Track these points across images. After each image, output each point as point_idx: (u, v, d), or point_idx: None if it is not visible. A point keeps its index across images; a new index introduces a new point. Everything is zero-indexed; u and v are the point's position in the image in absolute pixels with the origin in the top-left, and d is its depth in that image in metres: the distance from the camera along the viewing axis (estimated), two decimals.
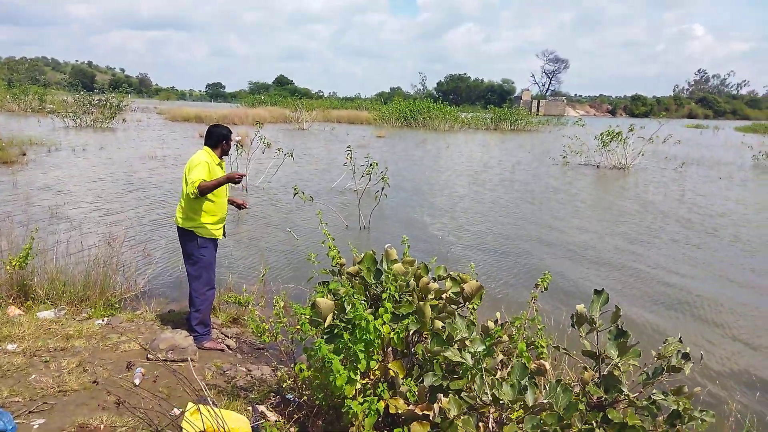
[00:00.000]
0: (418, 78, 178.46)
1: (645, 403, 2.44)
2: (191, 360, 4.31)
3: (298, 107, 43.04)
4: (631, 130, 20.20)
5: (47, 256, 6.12)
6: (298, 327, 3.50)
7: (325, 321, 3.30)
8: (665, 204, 13.06)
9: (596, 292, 2.52)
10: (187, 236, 4.56)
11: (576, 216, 11.54)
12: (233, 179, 4.41)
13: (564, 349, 2.65)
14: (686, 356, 2.48)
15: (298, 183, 13.54)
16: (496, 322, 3.15)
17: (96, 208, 10.45)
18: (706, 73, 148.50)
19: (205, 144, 4.66)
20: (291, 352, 4.50)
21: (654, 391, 2.49)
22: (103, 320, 5.07)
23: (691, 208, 12.68)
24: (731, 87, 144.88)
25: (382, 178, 9.76)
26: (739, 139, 38.35)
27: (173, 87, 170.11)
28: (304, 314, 3.55)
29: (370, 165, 10.13)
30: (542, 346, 3.72)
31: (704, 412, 2.31)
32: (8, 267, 5.35)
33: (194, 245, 4.56)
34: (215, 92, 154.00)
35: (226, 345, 4.93)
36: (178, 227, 4.62)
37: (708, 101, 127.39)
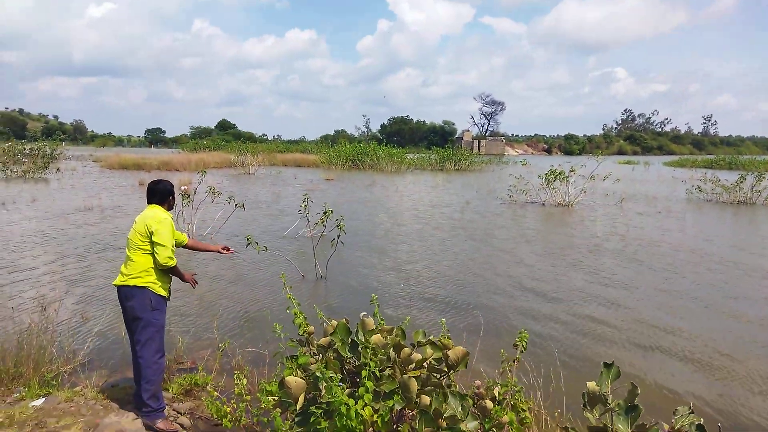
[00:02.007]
0: (362, 120, 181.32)
1: None
2: None
3: (243, 151, 42.43)
4: (573, 170, 20.92)
5: None
6: (265, 409, 3.13)
7: (296, 402, 2.95)
8: (612, 240, 13.39)
9: (606, 365, 2.33)
10: (137, 296, 4.13)
11: (530, 257, 11.59)
12: (191, 280, 4.54)
13: (573, 429, 2.41)
14: (701, 428, 2.30)
15: (248, 231, 13.05)
16: (493, 399, 2.90)
17: (28, 268, 9.61)
18: (631, 113, 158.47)
19: (151, 202, 4.36)
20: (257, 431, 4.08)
21: None
22: (38, 401, 4.48)
23: (636, 242, 13.03)
24: (656, 125, 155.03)
25: (338, 225, 9.49)
26: (669, 174, 40.65)
27: (110, 133, 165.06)
28: (272, 395, 3.18)
29: (325, 213, 9.84)
30: (524, 410, 3.51)
31: None
32: None
33: (146, 306, 4.14)
34: (155, 138, 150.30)
35: (180, 424, 4.42)
36: (123, 287, 4.17)
37: (636, 138, 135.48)
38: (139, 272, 4.11)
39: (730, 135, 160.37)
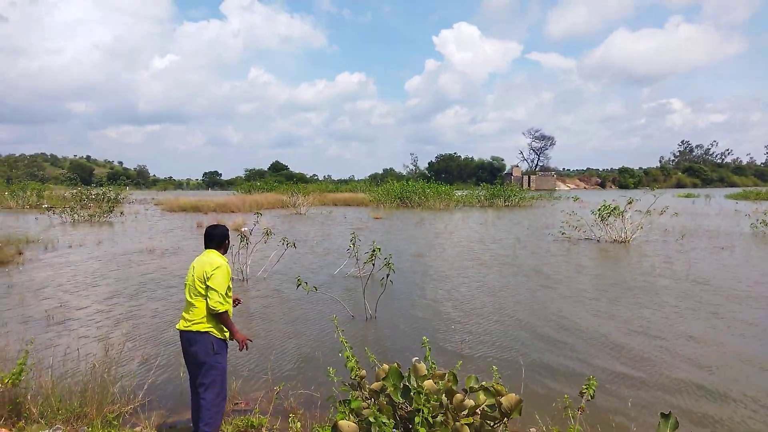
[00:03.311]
0: (410, 158, 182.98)
1: None
2: None
3: (295, 192, 43.55)
4: (630, 202, 20.30)
5: (42, 367, 5.79)
6: None
7: None
8: (673, 279, 12.81)
9: (663, 415, 2.24)
10: (199, 341, 4.26)
11: (588, 298, 11.23)
12: (242, 342, 4.44)
13: None
14: None
15: (299, 271, 13.31)
16: None
17: (94, 311, 10.10)
18: (689, 144, 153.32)
19: (208, 246, 4.55)
20: None
21: None
22: None
23: (699, 282, 12.42)
24: (715, 156, 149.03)
25: (387, 264, 9.54)
26: (732, 207, 38.78)
27: (170, 177, 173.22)
28: None
29: (373, 251, 9.93)
30: None
31: None
32: (0, 385, 4.99)
33: (209, 350, 4.27)
34: (212, 180, 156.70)
35: None
36: (186, 332, 4.31)
37: (695, 170, 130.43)
38: (201, 318, 4.26)
39: None
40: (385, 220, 31.64)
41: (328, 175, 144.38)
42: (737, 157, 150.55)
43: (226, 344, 4.47)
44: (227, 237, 4.65)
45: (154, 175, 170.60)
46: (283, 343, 8.13)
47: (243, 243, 13.02)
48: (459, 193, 54.55)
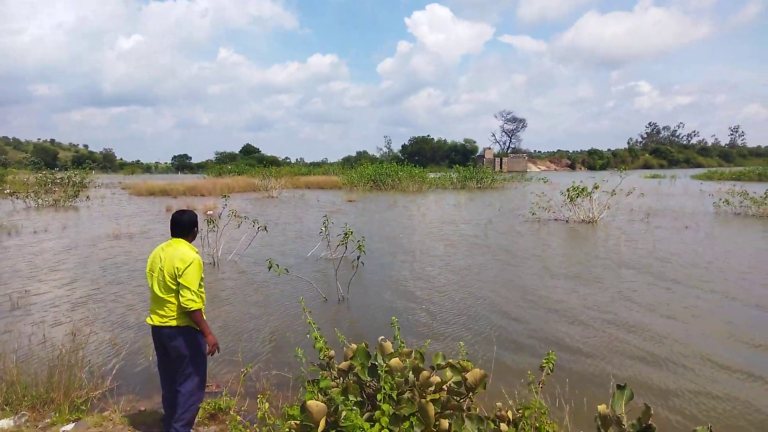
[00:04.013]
0: (384, 141, 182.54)
1: None
2: None
3: (267, 175, 43.07)
4: (596, 186, 20.71)
5: (6, 353, 5.66)
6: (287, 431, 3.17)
7: (317, 426, 3.00)
8: (637, 256, 13.17)
9: (619, 387, 2.32)
10: (181, 336, 4.13)
11: (555, 276, 11.48)
12: (212, 346, 4.26)
13: None
14: None
15: (270, 254, 13.23)
16: (508, 422, 2.90)
17: (58, 296, 9.89)
18: (656, 126, 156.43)
19: (176, 235, 4.29)
20: None
21: None
22: (68, 426, 4.61)
23: (662, 259, 12.80)
24: (681, 137, 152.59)
25: (359, 247, 9.57)
26: (697, 187, 39.88)
27: (138, 160, 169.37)
28: (294, 419, 3.23)
29: (346, 234, 9.94)
30: None
31: None
32: None
33: (191, 344, 4.18)
34: (181, 164, 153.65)
35: None
36: (165, 327, 4.13)
37: (662, 152, 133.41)
38: (178, 313, 4.11)
39: (759, 146, 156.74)
40: (358, 203, 31.61)
41: (301, 158, 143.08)
42: (703, 139, 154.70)
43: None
44: (196, 224, 4.37)
45: (121, 159, 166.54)
46: (255, 326, 8.11)
47: (211, 227, 12.85)
48: (432, 175, 54.77)
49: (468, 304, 9.25)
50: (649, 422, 2.21)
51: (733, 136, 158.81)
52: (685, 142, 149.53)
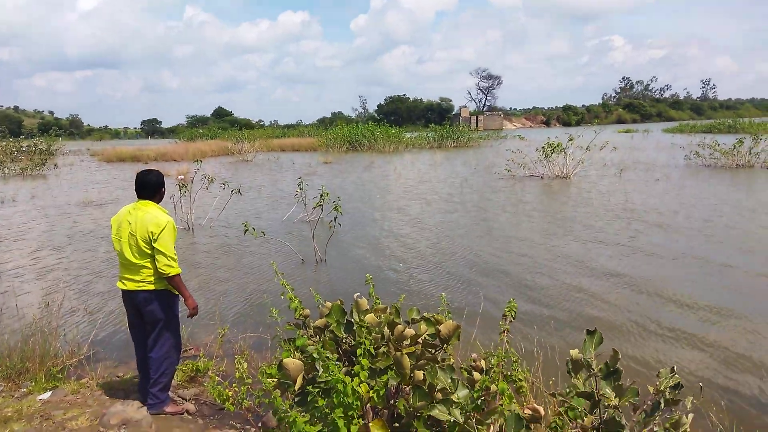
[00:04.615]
0: (359, 101, 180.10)
1: None
2: None
3: (240, 138, 42.28)
4: (571, 140, 20.85)
5: None
6: (266, 391, 3.21)
7: (295, 383, 3.02)
8: (608, 209, 13.42)
9: (589, 332, 2.38)
10: (157, 300, 4.06)
11: (526, 231, 11.65)
12: (193, 309, 4.23)
13: (560, 394, 2.48)
14: (678, 386, 2.37)
15: (247, 218, 13.10)
16: (480, 370, 2.96)
17: (31, 264, 9.70)
18: (630, 80, 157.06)
19: (142, 196, 4.10)
20: (259, 413, 4.16)
21: (655, 429, 2.35)
22: (45, 394, 4.58)
23: (632, 211, 13.07)
24: (654, 91, 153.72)
25: (335, 208, 9.53)
26: (668, 141, 40.46)
27: (106, 126, 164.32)
28: (272, 377, 3.26)
29: (322, 195, 9.87)
30: (521, 380, 3.59)
31: None
32: None
33: (166, 307, 4.13)
34: (151, 129, 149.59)
35: (186, 410, 4.51)
36: (140, 292, 4.03)
37: (635, 106, 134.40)
38: (154, 276, 4.02)
39: (730, 98, 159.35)
40: (334, 165, 31.37)
41: (275, 121, 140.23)
42: (675, 92, 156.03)
43: (179, 297, 4.33)
44: (163, 184, 4.20)
45: (89, 125, 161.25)
46: (232, 289, 8.11)
47: (183, 192, 12.61)
48: (408, 135, 54.39)
49: (441, 260, 9.37)
50: (617, 366, 2.28)
51: (704, 89, 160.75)
52: (658, 96, 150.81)
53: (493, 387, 2.72)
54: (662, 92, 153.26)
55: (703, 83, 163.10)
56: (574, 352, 2.35)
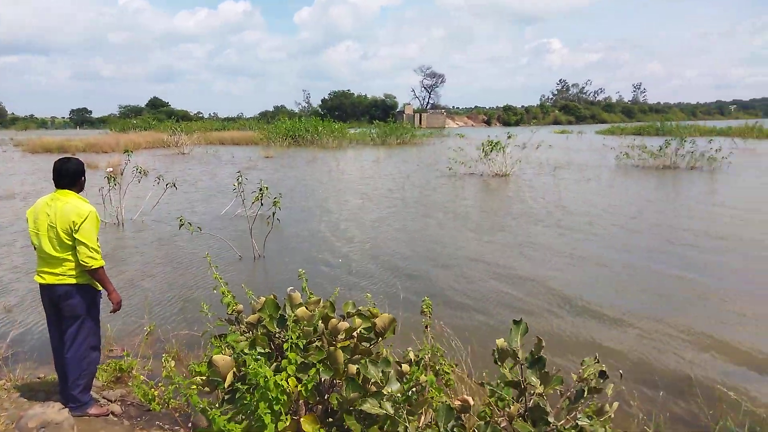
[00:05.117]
0: (302, 96, 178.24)
1: (573, 430, 2.38)
2: None
3: (177, 130, 40.82)
4: (510, 137, 21.41)
5: None
6: (194, 388, 3.10)
7: (225, 380, 2.94)
8: (541, 207, 13.90)
9: (515, 322, 2.44)
10: (77, 295, 3.85)
11: (463, 226, 11.89)
12: (117, 304, 4.03)
13: (489, 384, 2.53)
14: (603, 374, 2.47)
15: (182, 212, 12.65)
16: (410, 362, 2.99)
17: None
18: (566, 83, 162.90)
19: (61, 186, 3.88)
20: (188, 413, 4.03)
21: (579, 416, 2.44)
22: None
23: (564, 208, 13.60)
24: (589, 94, 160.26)
25: (274, 203, 9.37)
26: (600, 142, 42.28)
27: (32, 115, 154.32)
28: (201, 375, 3.15)
29: (260, 190, 9.67)
30: (447, 373, 3.65)
31: None
32: None
33: (89, 302, 3.92)
34: (81, 118, 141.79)
35: (111, 412, 4.31)
36: (59, 285, 3.81)
37: (570, 108, 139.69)
38: (76, 270, 3.82)
39: (659, 102, 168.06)
40: (276, 159, 30.86)
41: (215, 113, 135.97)
42: (608, 96, 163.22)
43: (101, 293, 4.11)
44: (83, 173, 3.99)
45: (13, 114, 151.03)
46: (164, 286, 7.82)
47: (112, 184, 11.99)
48: (352, 130, 54.29)
49: (379, 255, 9.41)
50: (541, 354, 2.35)
51: (635, 93, 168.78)
52: (592, 99, 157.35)
53: (422, 378, 2.74)
54: (596, 95, 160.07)
55: (635, 87, 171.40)
56: (500, 341, 2.40)
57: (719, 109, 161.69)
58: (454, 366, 3.43)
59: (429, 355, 3.44)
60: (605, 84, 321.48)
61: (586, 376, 2.50)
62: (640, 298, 7.13)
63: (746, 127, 49.55)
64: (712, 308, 6.71)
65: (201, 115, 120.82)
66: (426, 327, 3.64)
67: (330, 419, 3.05)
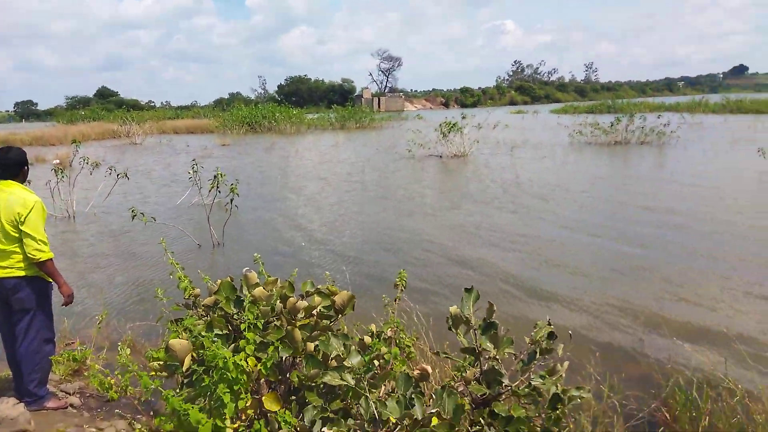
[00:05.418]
0: (258, 82, 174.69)
1: (526, 390, 2.47)
2: None
3: (127, 120, 39.51)
4: (464, 117, 21.62)
5: None
6: (153, 374, 3.06)
7: (183, 364, 2.91)
8: (498, 185, 14.17)
9: (467, 290, 2.50)
10: (26, 288, 3.73)
11: (426, 209, 12.00)
12: (68, 297, 3.91)
13: (444, 353, 2.59)
14: (552, 335, 2.57)
15: (135, 203, 12.32)
16: (372, 335, 3.03)
17: None
18: (521, 64, 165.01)
19: (3, 177, 3.73)
20: (148, 400, 3.98)
21: (533, 377, 2.53)
22: None
23: (520, 186, 13.90)
24: (543, 74, 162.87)
25: (231, 189, 9.22)
26: (555, 121, 43.14)
27: None
28: (159, 361, 3.11)
29: (216, 177, 9.49)
30: (408, 346, 3.72)
31: (581, 389, 2.39)
32: None
33: (38, 295, 3.80)
34: (26, 111, 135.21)
35: (69, 404, 4.21)
36: (7, 279, 3.69)
37: (525, 89, 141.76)
38: (24, 262, 3.69)
39: (610, 81, 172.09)
40: (232, 147, 30.28)
41: (167, 102, 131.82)
42: (561, 76, 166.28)
43: (52, 285, 3.98)
44: (25, 162, 3.86)
45: None
46: (120, 278, 7.64)
47: (60, 176, 11.51)
48: (310, 116, 53.71)
49: (337, 239, 9.44)
50: (493, 318, 2.41)
51: (587, 72, 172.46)
52: (546, 79, 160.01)
53: (383, 349, 2.78)
54: (550, 75, 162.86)
55: (587, 67, 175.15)
56: (453, 309, 2.46)
57: (668, 86, 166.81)
58: (415, 339, 3.49)
59: (393, 330, 3.48)
60: (558, 65, 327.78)
61: (538, 338, 2.59)
62: (591, 274, 7.37)
63: (693, 102, 51.56)
64: (659, 282, 6.98)
65: (153, 104, 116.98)
66: (396, 300, 3.67)
67: (293, 397, 3.06)
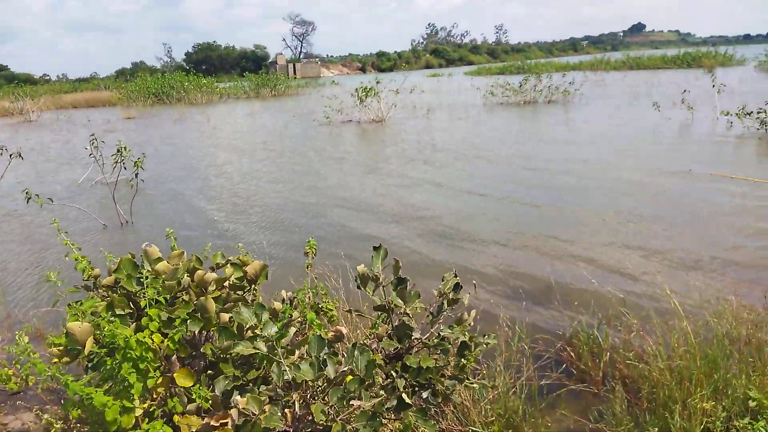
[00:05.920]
0: (163, 50, 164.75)
1: (436, 341, 2.56)
2: None
3: (19, 96, 36.15)
4: (378, 82, 21.55)
5: None
6: (55, 361, 2.89)
7: (85, 348, 2.76)
8: (418, 148, 14.36)
9: (375, 248, 2.52)
10: None
11: (343, 172, 11.98)
12: None
13: (356, 310, 2.62)
14: (458, 286, 2.66)
15: (32, 185, 11.42)
16: (283, 301, 3.00)
17: None
18: (435, 27, 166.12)
19: None
20: (57, 389, 3.77)
21: (441, 328, 2.62)
22: None
23: (439, 148, 14.17)
24: (456, 37, 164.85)
25: (136, 164, 8.72)
26: (469, 83, 43.98)
27: None
28: (56, 345, 2.93)
29: (118, 150, 8.92)
30: (330, 310, 3.74)
31: (487, 336, 2.51)
32: None
33: None
34: None
35: None
36: None
37: (440, 52, 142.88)
38: None
39: (519, 42, 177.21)
40: (138, 120, 28.55)
41: (64, 74, 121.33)
42: (474, 38, 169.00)
43: None
44: None
45: None
46: (17, 265, 7.09)
47: None
48: (222, 85, 51.47)
49: (252, 209, 9.26)
50: (399, 274, 2.46)
51: (498, 34, 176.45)
52: (459, 42, 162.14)
53: (295, 314, 2.77)
54: (462, 38, 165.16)
55: (497, 28, 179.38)
56: (361, 267, 2.48)
57: (573, 45, 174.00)
58: (337, 302, 3.51)
59: (310, 295, 3.47)
60: (470, 27, 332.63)
61: (445, 290, 2.67)
62: (501, 221, 7.70)
63: (596, 61, 54.33)
64: (564, 226, 7.41)
65: (48, 77, 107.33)
66: (307, 266, 3.65)
67: (210, 371, 3.00)
